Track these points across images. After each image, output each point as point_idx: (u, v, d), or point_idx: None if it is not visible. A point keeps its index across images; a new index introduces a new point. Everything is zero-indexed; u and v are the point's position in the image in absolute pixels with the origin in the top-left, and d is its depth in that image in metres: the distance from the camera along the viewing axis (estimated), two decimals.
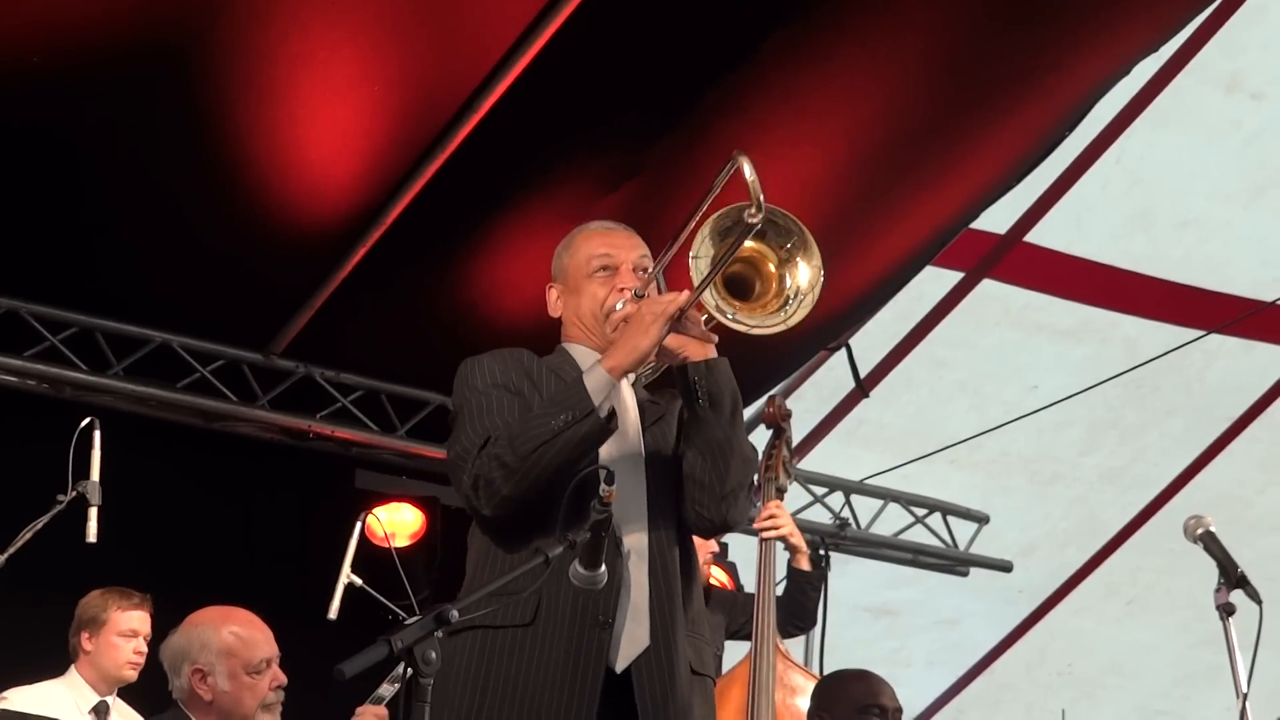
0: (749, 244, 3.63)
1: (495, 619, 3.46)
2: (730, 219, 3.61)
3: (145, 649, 5.85)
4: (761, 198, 3.46)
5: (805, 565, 5.99)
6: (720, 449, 3.60)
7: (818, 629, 6.32)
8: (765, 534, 5.80)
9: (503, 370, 3.69)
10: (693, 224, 3.62)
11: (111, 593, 5.90)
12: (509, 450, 3.47)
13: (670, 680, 3.53)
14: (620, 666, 3.50)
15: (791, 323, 3.68)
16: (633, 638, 3.52)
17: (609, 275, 3.77)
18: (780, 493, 5.96)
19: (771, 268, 3.71)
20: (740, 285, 3.70)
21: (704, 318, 3.65)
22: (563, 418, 3.45)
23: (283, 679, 4.71)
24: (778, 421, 6.03)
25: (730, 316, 3.66)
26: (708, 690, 3.84)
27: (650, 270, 3.78)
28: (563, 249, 3.90)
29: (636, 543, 3.57)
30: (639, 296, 3.69)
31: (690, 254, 3.63)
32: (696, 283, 3.58)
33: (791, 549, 5.94)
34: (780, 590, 5.98)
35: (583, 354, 3.77)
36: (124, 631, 5.86)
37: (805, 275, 3.70)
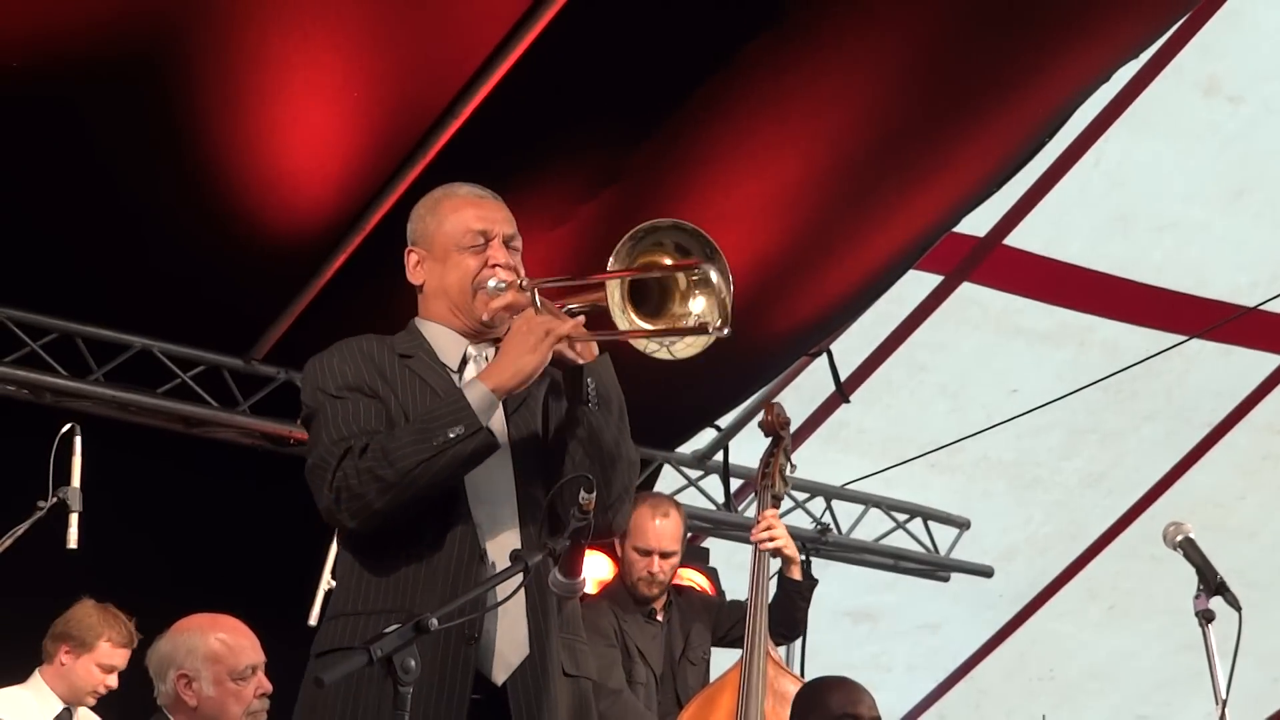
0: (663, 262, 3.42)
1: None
2: (647, 239, 3.43)
3: (115, 684, 5.86)
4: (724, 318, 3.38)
5: (798, 575, 5.97)
6: (611, 456, 3.47)
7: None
8: (761, 545, 5.79)
9: (354, 371, 3.54)
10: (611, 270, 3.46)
11: (107, 616, 5.87)
12: (385, 465, 3.33)
13: (543, 689, 3.45)
14: (501, 678, 3.41)
15: (680, 353, 3.43)
16: (511, 646, 3.43)
17: (481, 248, 3.63)
18: (776, 500, 5.95)
19: (681, 285, 3.44)
20: (646, 294, 3.47)
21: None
22: (450, 434, 3.32)
23: (268, 686, 4.72)
24: (776, 429, 6.00)
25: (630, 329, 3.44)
26: (583, 692, 3.75)
27: (519, 246, 3.65)
28: (427, 212, 3.76)
29: (509, 544, 3.41)
30: (523, 288, 3.55)
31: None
32: (610, 306, 3.42)
33: (785, 559, 5.92)
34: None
35: (438, 334, 3.65)
36: (104, 665, 5.84)
37: (701, 304, 3.42)
